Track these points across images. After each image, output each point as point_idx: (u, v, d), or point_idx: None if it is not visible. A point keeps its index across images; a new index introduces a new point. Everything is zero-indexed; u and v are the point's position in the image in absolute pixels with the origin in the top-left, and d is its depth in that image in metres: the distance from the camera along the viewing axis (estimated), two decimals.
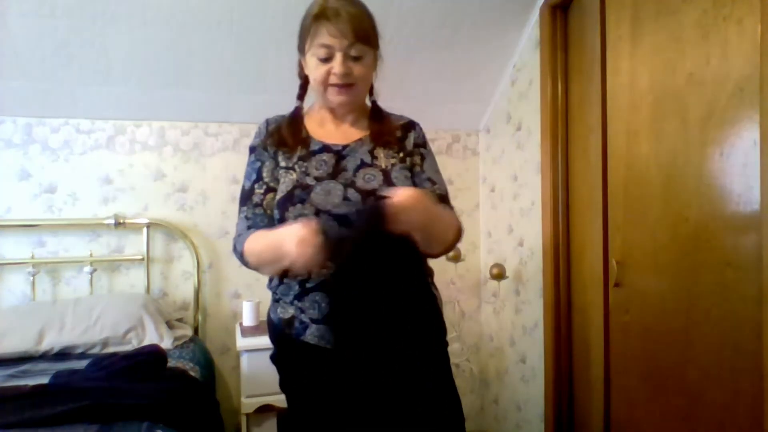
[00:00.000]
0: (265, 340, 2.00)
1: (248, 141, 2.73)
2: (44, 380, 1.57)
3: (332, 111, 1.16)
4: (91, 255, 2.25)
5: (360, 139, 1.15)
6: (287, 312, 1.11)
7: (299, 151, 1.12)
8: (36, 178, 2.23)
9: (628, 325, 1.63)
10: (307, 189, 1.06)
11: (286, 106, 1.21)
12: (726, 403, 1.28)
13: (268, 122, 1.18)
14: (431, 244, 1.05)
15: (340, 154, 1.12)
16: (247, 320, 2.23)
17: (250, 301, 2.25)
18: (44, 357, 1.90)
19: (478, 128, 2.70)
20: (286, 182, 1.08)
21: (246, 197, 1.14)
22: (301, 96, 1.20)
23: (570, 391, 2.00)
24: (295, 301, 1.09)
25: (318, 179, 1.07)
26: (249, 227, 1.11)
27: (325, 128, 1.17)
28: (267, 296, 2.56)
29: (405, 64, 2.24)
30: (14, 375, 1.72)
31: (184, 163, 2.38)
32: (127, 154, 2.32)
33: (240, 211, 1.14)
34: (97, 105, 2.21)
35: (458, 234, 1.11)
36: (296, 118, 1.17)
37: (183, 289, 2.38)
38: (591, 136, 1.79)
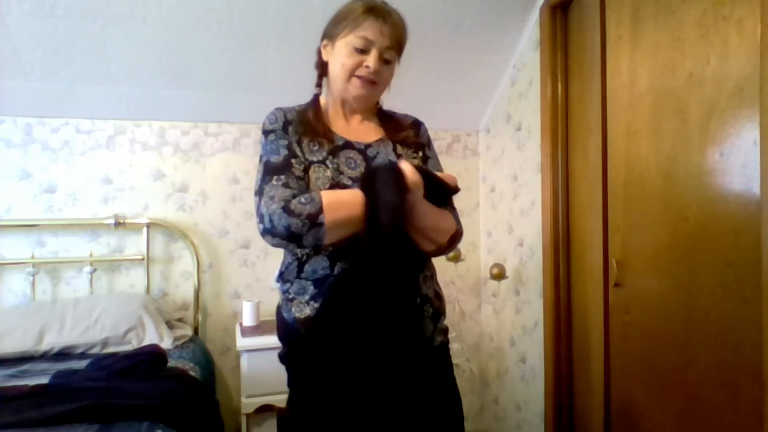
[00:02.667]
0: (264, 340, 2.02)
1: (248, 141, 2.72)
2: (44, 380, 1.57)
3: (343, 105, 1.17)
4: (91, 255, 2.25)
5: (380, 139, 1.16)
6: (303, 312, 1.07)
7: (327, 145, 1.09)
8: (36, 178, 2.23)
9: (628, 325, 1.63)
10: (344, 189, 1.03)
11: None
12: (726, 403, 1.28)
13: (283, 110, 1.13)
14: (429, 236, 1.05)
15: (365, 153, 1.12)
16: (247, 320, 2.23)
17: (250, 301, 2.26)
18: (44, 357, 1.90)
19: (478, 128, 2.70)
20: (321, 178, 1.05)
21: (279, 169, 1.01)
22: (319, 84, 1.20)
23: (570, 391, 2.00)
24: (311, 302, 1.06)
25: (353, 179, 1.06)
26: (295, 197, 0.97)
27: (338, 123, 1.16)
28: (267, 296, 2.57)
29: (405, 64, 2.23)
30: (14, 375, 1.71)
31: (184, 163, 2.38)
32: (127, 154, 2.32)
33: (274, 180, 0.99)
34: (97, 105, 2.21)
35: (454, 236, 1.09)
36: (318, 108, 1.16)
37: (183, 289, 2.38)
38: (591, 136, 1.79)
